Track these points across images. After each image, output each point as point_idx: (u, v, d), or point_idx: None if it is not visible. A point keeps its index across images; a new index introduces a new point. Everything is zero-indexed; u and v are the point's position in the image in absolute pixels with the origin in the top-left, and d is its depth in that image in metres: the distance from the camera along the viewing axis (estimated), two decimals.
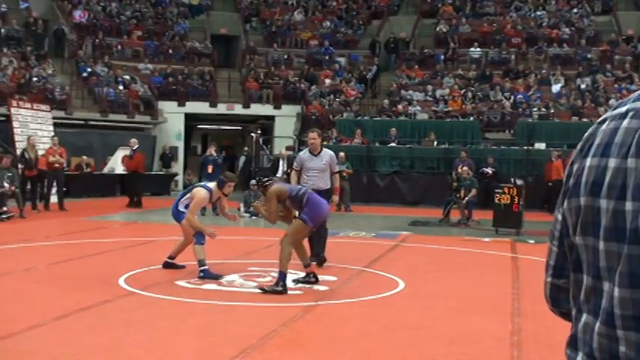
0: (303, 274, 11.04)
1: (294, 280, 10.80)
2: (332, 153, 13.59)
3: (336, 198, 13.56)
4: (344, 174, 24.18)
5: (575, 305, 1.71)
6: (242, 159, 30.89)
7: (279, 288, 9.91)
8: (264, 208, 10.97)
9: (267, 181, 11.14)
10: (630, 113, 1.60)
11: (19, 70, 32.25)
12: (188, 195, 11.77)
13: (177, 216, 11.65)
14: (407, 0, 43.86)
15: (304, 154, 13.41)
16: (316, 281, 10.73)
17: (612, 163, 1.58)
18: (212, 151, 23.25)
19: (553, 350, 6.91)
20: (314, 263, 11.73)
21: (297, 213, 10.74)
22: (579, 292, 1.69)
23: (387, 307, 9.44)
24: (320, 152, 13.14)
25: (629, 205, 1.53)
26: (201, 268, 10.99)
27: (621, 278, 1.53)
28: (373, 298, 9.96)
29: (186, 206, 11.52)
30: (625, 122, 1.60)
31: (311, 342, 7.68)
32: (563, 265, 1.77)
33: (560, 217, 1.76)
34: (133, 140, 25.15)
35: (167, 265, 11.78)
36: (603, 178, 1.60)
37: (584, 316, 1.66)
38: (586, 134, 1.72)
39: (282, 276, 9.97)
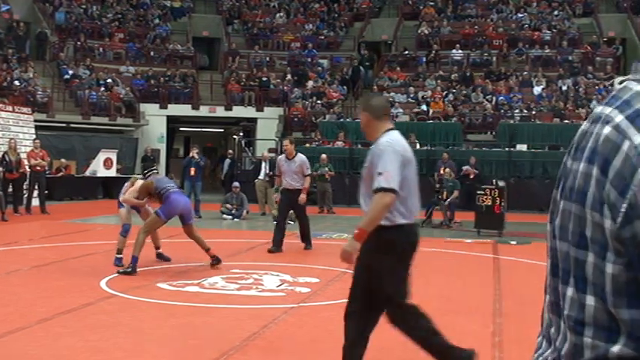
0: (284, 275, 11.40)
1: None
2: (304, 157, 15.05)
3: (303, 196, 14.76)
4: (326, 176, 24.21)
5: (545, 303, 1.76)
6: (227, 162, 30.81)
7: (129, 269, 11.43)
8: (132, 196, 12.29)
9: (149, 172, 12.93)
10: (590, 117, 1.63)
11: (0, 72, 32.12)
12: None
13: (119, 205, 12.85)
14: (389, 2, 43.95)
15: (280, 159, 15.28)
16: (218, 263, 12.21)
17: (568, 163, 1.62)
18: (194, 153, 23.20)
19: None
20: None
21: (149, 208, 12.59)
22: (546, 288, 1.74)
23: None
24: (294, 157, 14.73)
25: (567, 205, 1.59)
26: (118, 255, 12.29)
27: (570, 279, 1.58)
28: None
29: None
30: (584, 125, 1.61)
31: (293, 344, 7.69)
32: None
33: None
34: None
35: (158, 256, 12.92)
36: (566, 178, 1.63)
37: (547, 315, 1.70)
38: None
39: (134, 259, 11.42)
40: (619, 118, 1.50)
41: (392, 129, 5.92)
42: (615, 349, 1.49)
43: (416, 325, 6.11)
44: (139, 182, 12.41)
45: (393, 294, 5.95)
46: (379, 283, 5.83)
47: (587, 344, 1.54)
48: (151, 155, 32.99)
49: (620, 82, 1.58)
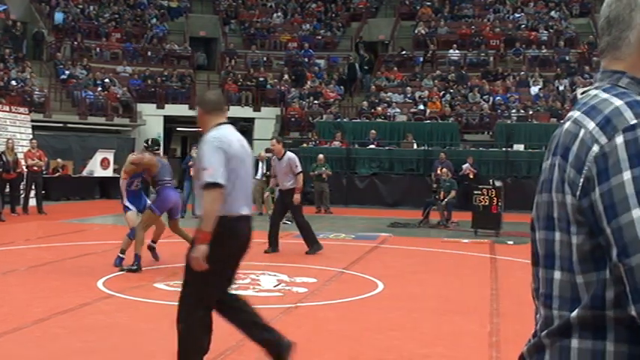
0: (281, 275, 11.58)
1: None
2: (292, 155, 14.75)
3: (297, 196, 14.42)
4: (323, 176, 24.20)
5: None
6: None
7: (134, 267, 11.63)
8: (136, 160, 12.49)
9: (157, 148, 13.06)
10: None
11: None
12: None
13: (125, 209, 12.83)
14: (386, 2, 43.93)
15: (273, 159, 15.11)
16: None
17: (542, 166, 1.90)
18: (194, 153, 23.16)
19: None
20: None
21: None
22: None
23: (366, 309, 9.46)
24: (283, 156, 14.50)
25: (540, 197, 1.88)
26: (121, 255, 12.17)
27: (542, 260, 1.86)
28: (352, 299, 9.97)
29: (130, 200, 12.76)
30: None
31: None
32: None
33: None
34: None
35: (151, 249, 12.98)
36: (540, 177, 1.91)
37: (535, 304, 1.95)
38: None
39: (137, 257, 11.63)
40: (576, 114, 1.79)
41: (223, 123, 5.98)
42: (575, 314, 1.74)
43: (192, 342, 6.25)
44: (147, 154, 12.52)
45: (189, 293, 6.12)
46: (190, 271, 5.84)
47: (555, 315, 1.80)
48: None
49: (582, 93, 1.85)
